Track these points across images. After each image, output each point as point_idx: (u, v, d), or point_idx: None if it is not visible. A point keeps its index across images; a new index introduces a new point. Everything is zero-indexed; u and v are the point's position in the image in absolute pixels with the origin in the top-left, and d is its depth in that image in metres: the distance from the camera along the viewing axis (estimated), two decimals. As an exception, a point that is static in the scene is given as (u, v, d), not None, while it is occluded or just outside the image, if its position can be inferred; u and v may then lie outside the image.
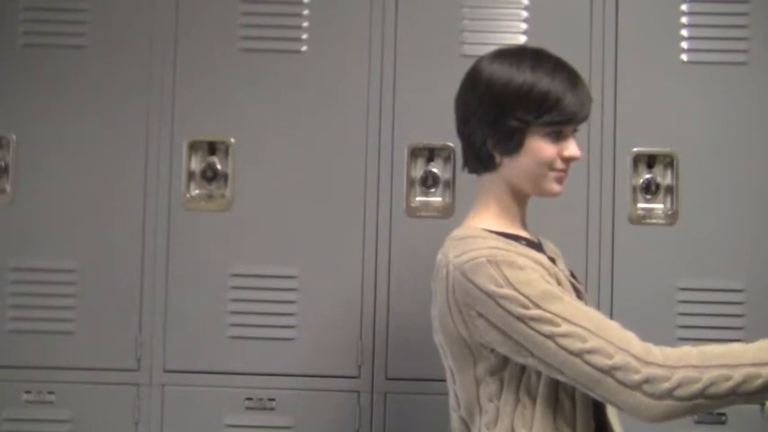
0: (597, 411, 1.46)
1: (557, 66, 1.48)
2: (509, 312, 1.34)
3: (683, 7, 2.22)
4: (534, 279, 1.36)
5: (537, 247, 1.54)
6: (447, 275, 1.41)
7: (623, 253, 2.18)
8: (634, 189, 2.21)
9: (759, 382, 1.27)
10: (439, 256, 1.47)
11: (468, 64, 2.20)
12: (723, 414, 2.13)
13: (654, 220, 2.20)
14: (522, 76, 1.46)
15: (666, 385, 1.27)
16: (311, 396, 2.17)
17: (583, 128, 2.15)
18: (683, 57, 2.21)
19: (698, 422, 2.13)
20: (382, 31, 2.22)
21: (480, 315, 1.37)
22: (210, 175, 2.23)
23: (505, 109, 1.45)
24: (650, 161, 2.21)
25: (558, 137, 1.47)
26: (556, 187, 1.51)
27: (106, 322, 2.18)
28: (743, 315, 2.17)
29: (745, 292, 2.17)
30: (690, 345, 1.33)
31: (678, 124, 2.21)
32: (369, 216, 2.20)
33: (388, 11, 2.22)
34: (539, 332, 1.33)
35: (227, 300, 2.19)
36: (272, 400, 2.17)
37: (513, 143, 1.47)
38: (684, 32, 2.22)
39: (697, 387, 1.27)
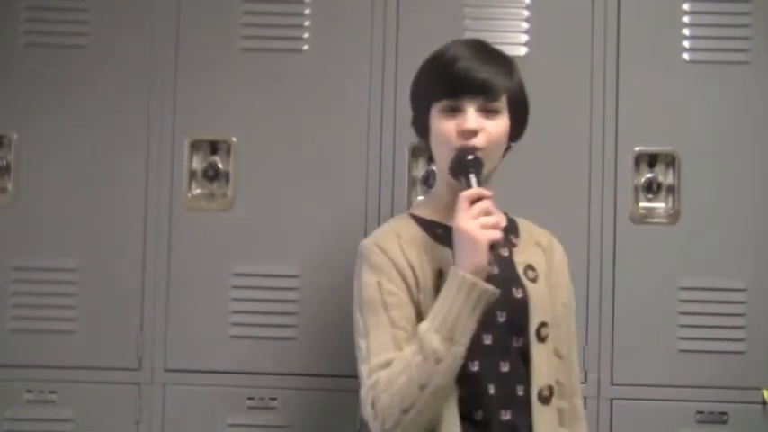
0: (489, 406, 1.49)
1: (471, 41, 1.58)
2: (354, 299, 1.55)
3: (685, 6, 2.22)
4: (370, 283, 1.50)
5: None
6: None
7: (625, 252, 2.18)
8: (636, 188, 2.21)
9: (429, 363, 1.39)
10: None
11: (470, 63, 2.22)
12: (724, 413, 2.13)
13: (655, 220, 2.20)
14: (426, 62, 1.58)
15: (377, 424, 1.44)
16: (312, 395, 2.17)
17: (584, 126, 2.19)
18: (685, 56, 2.21)
19: (699, 421, 2.14)
20: (384, 30, 2.22)
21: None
22: (212, 175, 2.23)
23: (414, 93, 1.60)
24: (652, 160, 2.21)
25: (453, 113, 1.52)
26: None
27: (107, 321, 2.18)
28: (744, 314, 2.16)
29: (746, 291, 2.17)
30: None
31: (680, 123, 2.20)
32: (370, 216, 2.19)
33: (390, 10, 2.22)
34: (356, 329, 1.53)
35: (228, 299, 2.19)
36: (274, 399, 2.16)
37: (421, 122, 1.58)
38: (686, 31, 2.21)
39: (395, 411, 1.41)
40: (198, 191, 2.23)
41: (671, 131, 2.20)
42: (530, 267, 1.59)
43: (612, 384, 2.15)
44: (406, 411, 1.38)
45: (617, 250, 2.18)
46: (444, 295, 1.42)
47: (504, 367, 1.51)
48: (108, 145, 2.21)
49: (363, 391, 1.47)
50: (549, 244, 1.68)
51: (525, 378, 1.52)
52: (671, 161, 2.21)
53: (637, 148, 2.20)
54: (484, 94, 1.49)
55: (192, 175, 2.22)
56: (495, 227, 1.41)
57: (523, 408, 1.51)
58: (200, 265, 2.19)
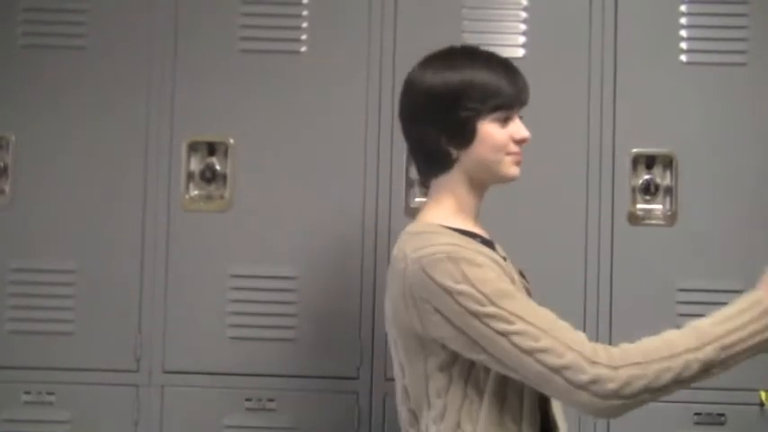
0: (543, 404, 1.48)
1: (489, 58, 1.54)
2: (465, 308, 1.36)
3: (683, 8, 2.22)
4: (491, 277, 1.39)
5: (490, 245, 1.56)
6: (404, 270, 1.42)
7: (622, 254, 2.18)
8: (633, 190, 2.21)
9: (696, 366, 1.34)
10: (395, 250, 1.49)
11: (468, 65, 2.22)
12: (722, 414, 2.14)
13: (653, 221, 2.20)
14: (460, 72, 1.51)
15: (612, 385, 1.31)
16: (310, 397, 2.17)
17: (582, 128, 2.19)
18: (682, 57, 2.22)
19: (697, 423, 2.14)
20: (381, 31, 2.22)
21: (436, 310, 1.39)
22: (209, 176, 2.23)
23: (453, 104, 1.50)
24: (649, 162, 2.22)
25: (505, 122, 1.52)
26: (514, 169, 1.54)
27: (105, 323, 2.18)
28: (742, 316, 2.16)
29: (744, 292, 2.17)
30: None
31: (677, 125, 2.21)
32: (368, 216, 2.20)
33: (388, 11, 2.23)
34: (493, 329, 1.35)
35: (226, 300, 2.19)
36: (272, 400, 2.17)
37: (466, 134, 1.50)
38: (683, 33, 2.22)
39: (642, 384, 1.32)
40: (195, 192, 2.23)
41: (668, 133, 2.20)
42: (521, 274, 1.60)
43: (610, 386, 2.15)
44: (648, 391, 1.34)
45: (614, 252, 2.18)
46: (749, 318, 1.39)
47: None
48: (106, 146, 2.21)
49: (580, 352, 1.33)
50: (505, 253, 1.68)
51: None
52: (668, 163, 2.21)
53: (634, 150, 2.20)
54: (525, 105, 1.56)
55: (190, 176, 2.23)
56: None
57: None
58: (198, 267, 2.19)
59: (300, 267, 2.19)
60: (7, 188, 2.21)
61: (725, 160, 2.19)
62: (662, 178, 2.22)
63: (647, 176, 2.21)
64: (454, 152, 1.51)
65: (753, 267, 2.16)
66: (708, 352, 1.34)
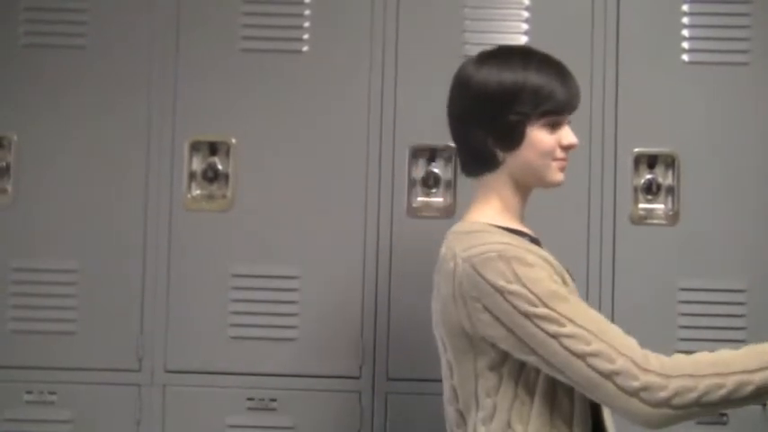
0: (594, 408, 1.47)
1: (543, 60, 1.52)
2: (516, 308, 1.35)
3: (685, 7, 2.22)
4: (542, 277, 1.37)
5: (537, 243, 1.55)
6: (454, 268, 1.41)
7: (624, 253, 2.18)
8: (635, 189, 2.21)
9: (750, 388, 1.30)
10: (443, 250, 1.48)
11: (470, 64, 2.22)
12: (724, 415, 2.14)
13: (655, 221, 2.20)
14: (513, 74, 1.48)
15: (663, 394, 1.29)
16: (312, 396, 2.17)
17: (584, 128, 2.19)
18: (685, 57, 2.21)
19: (699, 422, 2.13)
20: (383, 31, 2.22)
21: (486, 309, 1.37)
22: (211, 176, 2.23)
23: (503, 107, 1.47)
24: (651, 161, 2.21)
25: (554, 127, 1.50)
26: (559, 176, 1.53)
27: (107, 323, 2.19)
28: (744, 315, 2.17)
29: (746, 292, 2.17)
30: (700, 350, 1.34)
31: (679, 124, 2.21)
32: (370, 216, 2.20)
33: (390, 11, 2.22)
34: (544, 331, 1.33)
35: (228, 300, 2.19)
36: (274, 400, 2.17)
37: (514, 137, 1.48)
38: (686, 33, 2.22)
39: (693, 396, 1.29)
40: (197, 192, 2.23)
41: (670, 132, 2.20)
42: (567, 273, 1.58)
43: (612, 385, 2.15)
44: (699, 404, 1.31)
45: (616, 251, 2.18)
46: None
47: None
48: (108, 146, 2.21)
49: (631, 358, 1.31)
50: None
51: None
52: (670, 162, 2.21)
53: (636, 149, 2.20)
54: (575, 110, 1.54)
55: (192, 176, 2.23)
56: None
57: None
58: (200, 267, 2.19)
59: (302, 267, 2.19)
60: (9, 188, 2.21)
61: (727, 160, 2.19)
62: (664, 178, 2.22)
63: (649, 176, 2.21)
64: (500, 154, 1.50)
65: (755, 267, 2.18)
66: (764, 376, 1.30)
